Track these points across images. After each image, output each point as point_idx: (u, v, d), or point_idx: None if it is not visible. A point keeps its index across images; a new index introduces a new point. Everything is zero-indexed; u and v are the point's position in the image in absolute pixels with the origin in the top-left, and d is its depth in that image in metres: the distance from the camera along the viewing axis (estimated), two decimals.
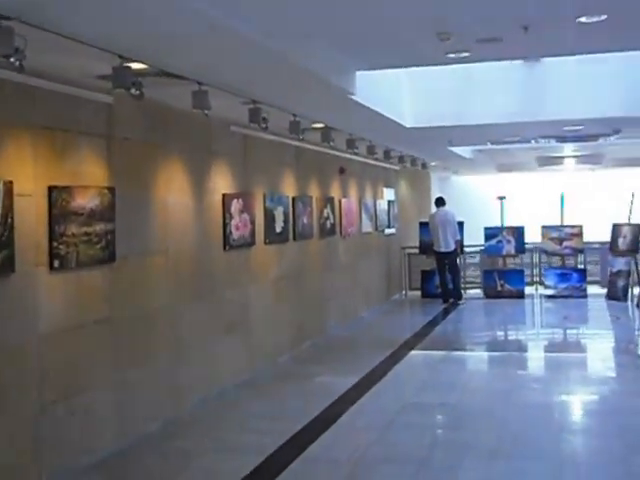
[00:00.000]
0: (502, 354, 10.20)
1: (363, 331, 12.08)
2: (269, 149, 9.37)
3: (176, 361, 7.04)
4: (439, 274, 14.60)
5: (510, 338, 11.43)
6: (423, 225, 15.80)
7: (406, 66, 7.50)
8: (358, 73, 6.82)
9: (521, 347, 10.75)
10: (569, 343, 11.07)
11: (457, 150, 13.33)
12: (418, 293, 15.67)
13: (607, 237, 14.55)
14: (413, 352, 10.09)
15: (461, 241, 14.67)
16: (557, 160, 16.90)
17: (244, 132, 8.54)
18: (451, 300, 14.40)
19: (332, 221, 11.68)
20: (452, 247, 14.28)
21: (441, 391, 8.00)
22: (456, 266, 14.50)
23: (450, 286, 14.44)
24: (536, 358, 9.86)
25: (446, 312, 13.68)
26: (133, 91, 4.90)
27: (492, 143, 11.97)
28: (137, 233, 6.52)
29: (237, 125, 8.32)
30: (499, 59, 7.42)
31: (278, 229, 9.55)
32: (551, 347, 10.66)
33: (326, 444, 6.29)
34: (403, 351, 10.15)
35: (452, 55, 6.36)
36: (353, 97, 6.95)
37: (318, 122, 8.51)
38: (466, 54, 6.34)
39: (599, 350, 10.42)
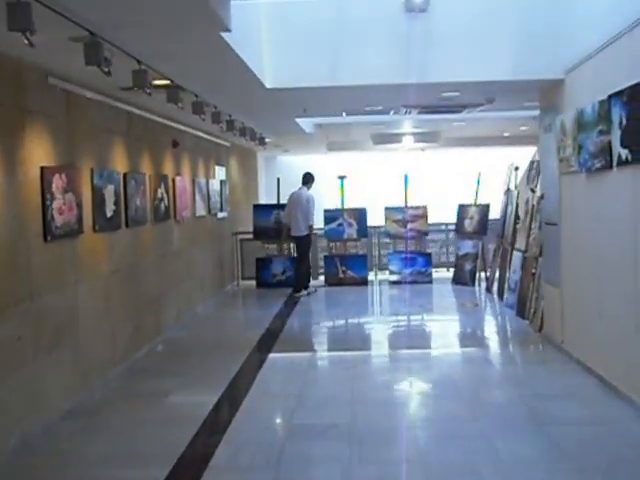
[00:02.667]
0: (370, 354, 8.91)
1: (204, 330, 10.38)
2: (96, 112, 7.48)
3: None
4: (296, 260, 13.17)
5: (372, 334, 10.08)
6: (257, 208, 14.44)
7: None
8: (233, 3, 5.21)
9: (387, 344, 9.45)
10: (442, 338, 9.66)
11: (302, 122, 11.95)
12: (252, 283, 14.22)
13: (452, 219, 13.81)
14: (272, 355, 8.59)
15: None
16: (393, 138, 16.05)
17: (66, 87, 6.63)
18: (291, 291, 13.00)
19: (166, 203, 9.89)
20: (303, 232, 12.80)
21: (324, 408, 6.50)
22: (304, 253, 12.98)
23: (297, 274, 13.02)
24: (413, 358, 8.11)
25: (289, 304, 12.27)
26: None
27: (348, 114, 10.66)
28: None
29: (57, 77, 6.41)
30: None
31: (109, 213, 7.69)
32: (423, 343, 9.31)
33: None
34: (259, 355, 8.66)
35: None
36: (225, 36, 5.33)
37: (163, 78, 6.76)
38: None
39: (475, 343, 9.31)
